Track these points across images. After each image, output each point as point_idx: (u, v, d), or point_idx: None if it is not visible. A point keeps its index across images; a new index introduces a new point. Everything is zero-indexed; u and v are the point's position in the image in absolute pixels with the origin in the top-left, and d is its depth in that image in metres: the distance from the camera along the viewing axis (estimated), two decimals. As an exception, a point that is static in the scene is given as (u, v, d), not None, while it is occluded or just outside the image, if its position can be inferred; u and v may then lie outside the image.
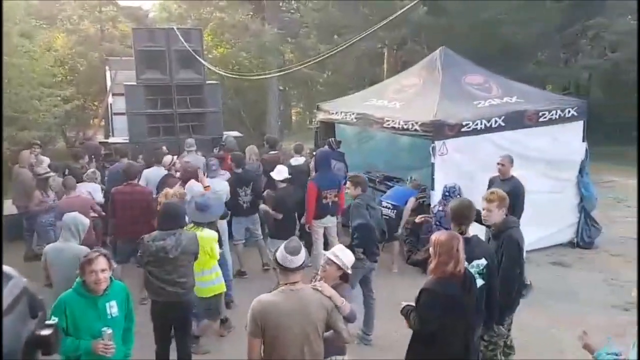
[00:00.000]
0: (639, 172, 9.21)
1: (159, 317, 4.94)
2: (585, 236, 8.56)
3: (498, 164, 6.73)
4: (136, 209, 6.62)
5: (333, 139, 9.10)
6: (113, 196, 6.83)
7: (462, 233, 4.10)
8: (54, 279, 4.81)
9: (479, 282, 4.10)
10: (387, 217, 7.75)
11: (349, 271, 3.90)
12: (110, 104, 12.63)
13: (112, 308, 3.73)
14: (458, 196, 6.19)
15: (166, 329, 4.99)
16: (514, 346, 4.88)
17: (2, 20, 9.55)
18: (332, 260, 3.87)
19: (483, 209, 4.51)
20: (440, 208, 6.25)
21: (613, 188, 12.11)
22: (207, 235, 5.35)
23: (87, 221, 5.05)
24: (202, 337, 5.80)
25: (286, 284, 3.40)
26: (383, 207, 7.78)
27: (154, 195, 6.88)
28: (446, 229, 6.10)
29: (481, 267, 4.12)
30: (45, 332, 3.53)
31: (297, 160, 8.48)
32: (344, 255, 3.91)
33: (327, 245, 7.64)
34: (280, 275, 3.47)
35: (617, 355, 3.27)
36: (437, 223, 6.24)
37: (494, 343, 4.49)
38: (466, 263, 4.03)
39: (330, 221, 7.28)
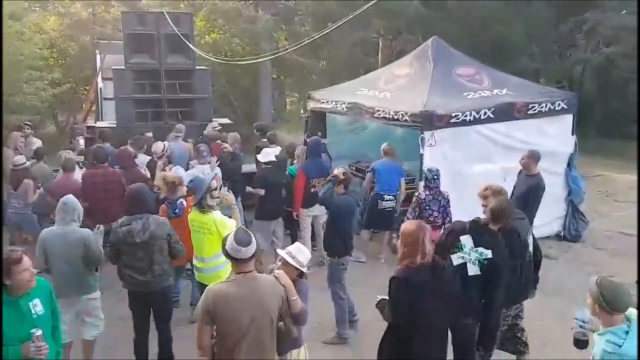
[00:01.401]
0: (638, 166, 9.19)
1: (132, 306, 4.89)
2: (572, 229, 8.59)
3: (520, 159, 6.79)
4: (110, 191, 6.57)
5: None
6: (85, 179, 6.75)
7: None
8: (53, 264, 4.73)
9: (475, 269, 4.19)
10: (391, 209, 7.74)
11: (305, 270, 3.80)
12: (100, 89, 12.50)
13: (37, 307, 3.48)
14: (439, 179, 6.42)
15: (142, 318, 4.91)
16: (528, 344, 5.01)
17: (2, 19, 9.38)
18: (287, 261, 3.75)
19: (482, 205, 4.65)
20: (427, 192, 6.33)
21: (602, 182, 12.12)
22: (214, 217, 5.12)
23: (80, 206, 4.96)
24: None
25: (239, 272, 3.37)
26: (386, 200, 7.73)
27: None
28: (434, 211, 6.26)
29: (483, 256, 4.18)
30: None
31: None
32: (299, 255, 3.79)
33: (314, 235, 7.63)
34: (233, 264, 3.42)
35: (583, 322, 3.32)
36: (427, 207, 6.29)
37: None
38: (471, 245, 4.21)
39: (319, 210, 7.23)
